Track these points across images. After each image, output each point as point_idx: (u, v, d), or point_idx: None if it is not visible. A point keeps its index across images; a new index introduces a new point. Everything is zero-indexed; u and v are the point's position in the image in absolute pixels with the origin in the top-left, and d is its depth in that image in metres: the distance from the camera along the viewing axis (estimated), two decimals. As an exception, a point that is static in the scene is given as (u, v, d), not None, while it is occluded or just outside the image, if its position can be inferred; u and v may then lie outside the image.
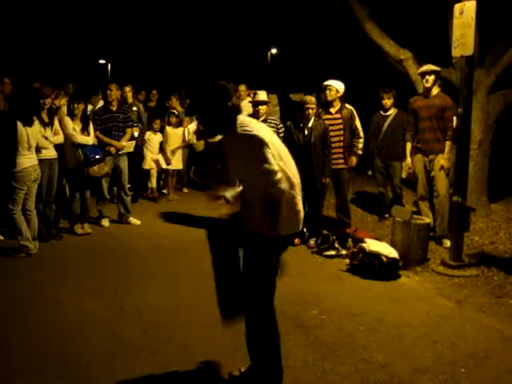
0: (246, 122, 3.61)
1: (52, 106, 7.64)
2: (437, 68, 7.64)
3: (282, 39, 27.58)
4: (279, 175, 3.47)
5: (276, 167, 3.48)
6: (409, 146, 7.85)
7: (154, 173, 10.89)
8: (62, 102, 8.60)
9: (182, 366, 3.67)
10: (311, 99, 7.52)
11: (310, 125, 7.48)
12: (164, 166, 10.84)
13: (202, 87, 3.70)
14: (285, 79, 23.29)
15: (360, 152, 8.13)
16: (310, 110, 7.45)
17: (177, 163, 10.94)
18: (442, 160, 7.50)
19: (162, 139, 10.84)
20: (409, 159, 7.81)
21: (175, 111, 11.21)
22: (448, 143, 7.51)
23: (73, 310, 5.26)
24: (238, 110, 3.64)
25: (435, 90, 7.65)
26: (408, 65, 9.90)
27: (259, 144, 3.47)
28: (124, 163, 8.73)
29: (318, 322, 5.08)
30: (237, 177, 3.74)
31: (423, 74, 7.63)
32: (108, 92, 8.63)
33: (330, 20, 15.48)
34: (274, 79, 23.75)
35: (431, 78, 7.53)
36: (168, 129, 10.86)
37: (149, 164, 10.78)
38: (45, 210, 7.55)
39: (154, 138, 10.77)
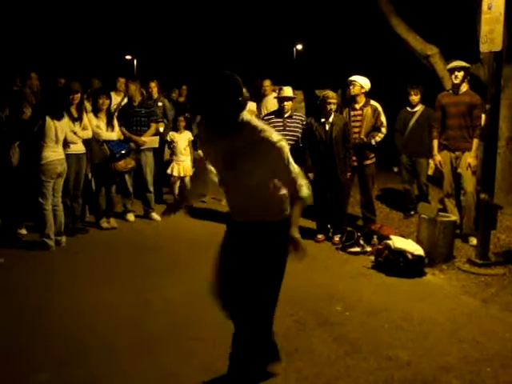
0: (256, 120, 3.42)
1: (81, 102, 7.69)
2: (466, 64, 7.54)
3: (307, 35, 27.49)
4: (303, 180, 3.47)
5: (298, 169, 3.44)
6: (436, 143, 7.77)
7: (178, 181, 9.70)
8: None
9: (206, 361, 3.69)
10: (332, 94, 7.48)
11: (330, 120, 7.45)
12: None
13: (209, 78, 3.24)
14: (310, 75, 23.22)
15: (373, 143, 7.89)
16: (332, 105, 7.41)
17: None
18: (469, 158, 7.42)
19: (191, 138, 9.74)
20: (438, 156, 7.74)
21: None
22: (476, 141, 7.42)
23: (98, 303, 5.30)
24: (244, 108, 3.32)
25: (464, 87, 7.55)
26: (435, 60, 9.81)
27: (281, 145, 3.29)
28: (146, 159, 8.75)
29: (342, 318, 5.07)
30: (241, 176, 3.38)
31: (452, 70, 7.54)
32: (128, 88, 8.70)
33: (356, 15, 15.39)
34: (300, 75, 23.68)
35: (460, 74, 7.44)
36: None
37: (171, 169, 9.63)
38: (72, 205, 7.62)
39: (178, 138, 9.64)
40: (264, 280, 3.51)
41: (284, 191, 3.51)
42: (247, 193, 3.45)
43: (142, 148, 8.58)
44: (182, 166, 9.57)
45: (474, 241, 7.22)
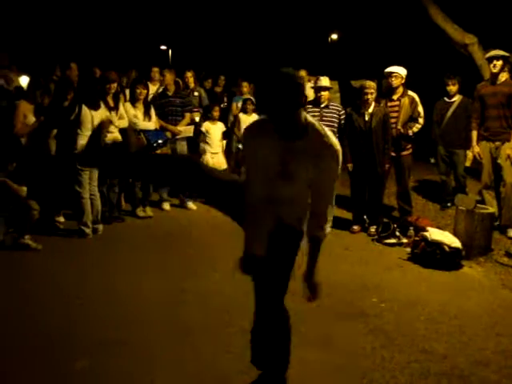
0: (318, 124, 3.13)
1: (118, 91, 7.76)
2: (505, 53, 7.41)
3: (343, 24, 27.26)
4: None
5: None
6: (475, 134, 7.67)
7: None
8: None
9: (244, 350, 3.69)
10: (370, 84, 7.39)
11: (370, 110, 7.37)
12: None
13: (276, 78, 2.96)
14: (345, 65, 23.05)
15: (410, 133, 7.82)
16: (370, 95, 7.33)
17: None
18: (509, 149, 7.30)
19: (223, 128, 9.54)
20: (476, 147, 7.63)
21: (252, 98, 9.94)
22: None
23: (134, 291, 5.36)
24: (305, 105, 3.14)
25: (503, 77, 7.42)
26: (473, 50, 9.67)
27: (338, 158, 3.10)
28: (182, 148, 8.80)
29: (378, 310, 5.04)
30: (295, 180, 3.18)
31: (491, 59, 7.42)
32: (163, 77, 8.73)
33: (393, 4, 15.20)
34: (335, 65, 23.53)
35: (499, 63, 7.32)
36: (242, 116, 9.64)
37: (206, 162, 9.01)
38: (108, 194, 7.71)
39: (213, 129, 9.33)
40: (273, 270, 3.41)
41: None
42: (293, 199, 3.28)
43: (177, 137, 8.62)
44: (216, 158, 9.29)
45: (511, 232, 7.13)
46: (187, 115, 8.77)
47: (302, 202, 3.26)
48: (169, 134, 8.47)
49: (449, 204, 8.70)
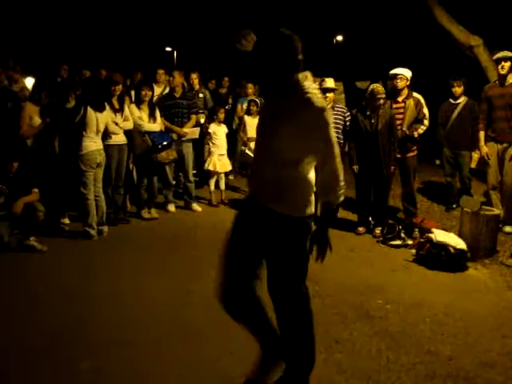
0: (311, 86, 3.07)
1: (123, 93, 7.77)
2: None
3: (347, 26, 27.25)
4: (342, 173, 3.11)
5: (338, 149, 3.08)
6: (482, 134, 7.66)
7: (222, 176, 9.40)
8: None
9: (247, 352, 3.69)
10: (380, 89, 7.35)
11: (375, 113, 7.37)
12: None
13: (266, 36, 3.07)
14: (350, 67, 23.03)
15: (415, 135, 7.80)
16: (381, 100, 7.35)
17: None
18: None
19: (226, 130, 9.52)
20: (485, 147, 7.62)
21: (257, 99, 9.76)
22: None
23: (139, 292, 5.36)
24: (301, 68, 3.06)
25: (511, 78, 7.42)
26: (479, 52, 9.67)
27: (328, 119, 3.02)
28: (188, 149, 8.80)
29: (383, 311, 5.04)
30: (278, 149, 3.09)
31: (499, 61, 7.42)
32: (170, 79, 8.73)
33: (398, 6, 15.19)
34: (340, 67, 23.52)
35: (507, 64, 7.32)
36: (247, 118, 9.51)
37: (213, 165, 9.21)
38: (113, 195, 7.72)
39: (219, 131, 9.32)
40: (279, 276, 3.32)
41: (312, 183, 3.23)
42: (274, 169, 3.15)
43: (183, 139, 8.63)
44: (222, 160, 9.30)
45: (508, 229, 7.30)
46: (193, 117, 8.76)
47: (282, 178, 3.14)
48: (175, 136, 8.47)
49: (454, 205, 8.69)
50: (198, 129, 9.02)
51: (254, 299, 3.44)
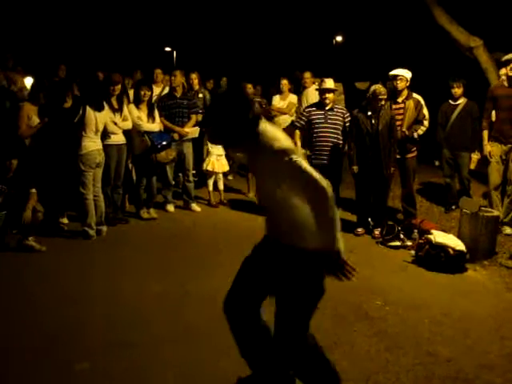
0: (271, 130, 3.17)
1: (122, 93, 7.75)
2: None
3: (347, 26, 27.25)
4: (324, 182, 3.10)
5: (315, 173, 3.09)
6: (485, 133, 7.68)
7: (220, 176, 9.41)
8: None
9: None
10: (382, 90, 7.33)
11: (376, 114, 7.37)
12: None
13: (218, 97, 3.41)
14: (350, 67, 23.04)
15: (415, 136, 7.80)
16: (383, 101, 7.36)
17: None
18: None
19: None
20: (488, 146, 7.63)
21: (255, 100, 10.03)
22: None
23: (138, 293, 5.36)
24: (260, 119, 3.17)
25: None
26: (478, 53, 9.66)
27: (292, 154, 3.06)
28: (188, 149, 8.79)
29: (382, 313, 5.04)
30: (267, 190, 3.27)
31: (508, 62, 7.41)
32: (172, 78, 8.71)
33: (397, 6, 15.19)
34: (339, 67, 23.52)
35: None
36: None
37: (212, 165, 9.22)
38: (112, 195, 7.71)
39: None
40: (284, 310, 3.30)
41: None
42: (274, 209, 3.27)
43: (184, 139, 8.62)
44: (221, 161, 9.26)
45: (507, 230, 7.32)
46: (193, 117, 8.74)
47: (287, 211, 3.17)
48: (176, 136, 8.46)
49: (453, 207, 8.68)
50: (198, 128, 9.00)
51: (254, 320, 3.47)
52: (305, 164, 3.08)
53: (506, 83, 7.60)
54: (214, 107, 3.27)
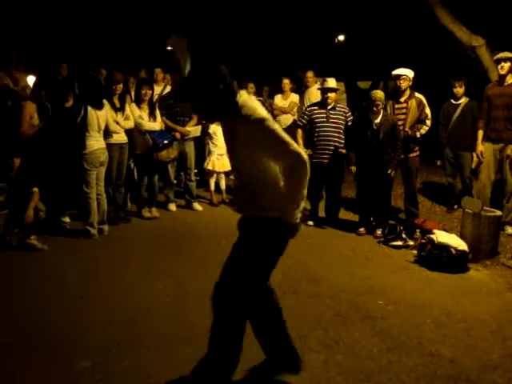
0: (248, 102, 3.28)
1: (124, 92, 7.74)
2: None
3: (349, 26, 27.21)
4: (300, 150, 3.21)
5: (293, 143, 3.21)
6: (481, 133, 7.68)
7: (222, 176, 9.33)
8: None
9: (245, 351, 3.67)
10: (377, 95, 7.30)
11: (378, 120, 7.33)
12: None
13: (191, 70, 3.44)
14: (352, 67, 23.00)
15: (418, 135, 7.79)
16: (375, 108, 7.30)
17: None
18: (509, 150, 7.35)
19: None
20: (480, 146, 7.63)
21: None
22: None
23: (139, 292, 5.36)
24: (235, 91, 3.28)
25: (510, 78, 7.44)
26: (481, 52, 9.64)
27: (268, 124, 3.19)
28: (190, 148, 8.80)
29: (385, 312, 5.02)
30: (241, 161, 3.43)
31: (499, 61, 7.45)
32: (175, 78, 8.69)
33: (400, 6, 15.16)
34: (341, 67, 23.50)
35: (507, 65, 7.37)
36: None
37: (212, 164, 9.18)
38: (114, 194, 7.70)
39: (220, 131, 8.74)
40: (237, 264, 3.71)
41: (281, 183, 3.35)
42: (245, 180, 3.46)
43: (185, 138, 8.61)
44: (222, 160, 9.15)
45: (509, 229, 7.33)
46: (194, 116, 8.73)
47: (250, 183, 3.38)
48: (178, 135, 8.46)
49: (455, 206, 8.68)
50: (200, 127, 8.99)
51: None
52: (282, 133, 3.20)
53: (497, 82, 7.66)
54: (187, 80, 3.36)
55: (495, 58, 7.71)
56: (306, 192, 3.26)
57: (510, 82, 7.47)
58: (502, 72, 7.42)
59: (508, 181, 7.53)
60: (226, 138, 3.49)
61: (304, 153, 3.22)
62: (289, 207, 3.26)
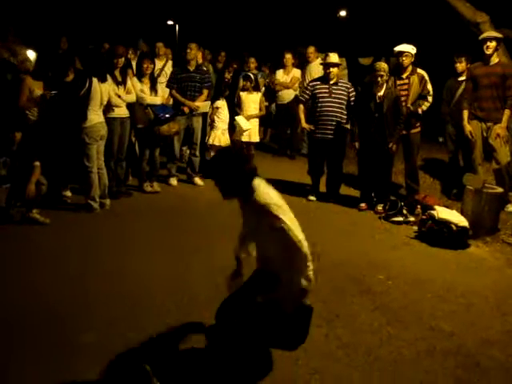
0: (263, 187, 3.46)
1: (125, 65, 7.70)
2: (498, 34, 7.53)
3: (351, 1, 27.00)
4: (305, 248, 3.36)
5: (301, 236, 3.38)
6: (466, 113, 7.65)
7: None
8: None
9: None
10: (381, 66, 7.27)
11: (381, 93, 7.29)
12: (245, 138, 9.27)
13: (219, 152, 3.83)
14: (353, 42, 22.86)
15: (419, 111, 7.77)
16: (379, 78, 7.23)
17: (254, 135, 9.45)
18: (499, 129, 7.35)
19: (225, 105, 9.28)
20: (468, 126, 7.60)
21: (251, 74, 9.82)
22: (507, 112, 7.35)
23: (141, 265, 5.38)
24: (255, 174, 3.49)
25: (496, 58, 7.45)
26: (485, 28, 9.55)
27: (277, 213, 3.35)
28: (197, 124, 8.77)
29: (385, 287, 5.06)
30: (255, 240, 3.76)
31: (484, 41, 7.41)
32: (188, 51, 8.62)
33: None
34: (343, 42, 23.36)
35: (492, 44, 7.37)
36: (242, 94, 9.37)
37: (218, 139, 9.04)
38: (116, 168, 7.69)
39: (224, 106, 9.15)
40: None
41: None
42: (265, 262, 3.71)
43: (194, 113, 8.59)
44: (226, 135, 9.14)
45: (510, 207, 7.37)
46: (205, 91, 8.68)
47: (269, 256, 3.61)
48: (186, 110, 8.44)
49: (454, 190, 8.61)
50: (209, 102, 8.94)
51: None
52: (289, 224, 3.35)
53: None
54: (216, 162, 3.58)
55: (480, 37, 7.66)
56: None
57: (495, 61, 7.47)
58: (488, 52, 7.39)
59: (500, 154, 7.48)
60: (243, 214, 3.72)
61: (307, 248, 3.38)
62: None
